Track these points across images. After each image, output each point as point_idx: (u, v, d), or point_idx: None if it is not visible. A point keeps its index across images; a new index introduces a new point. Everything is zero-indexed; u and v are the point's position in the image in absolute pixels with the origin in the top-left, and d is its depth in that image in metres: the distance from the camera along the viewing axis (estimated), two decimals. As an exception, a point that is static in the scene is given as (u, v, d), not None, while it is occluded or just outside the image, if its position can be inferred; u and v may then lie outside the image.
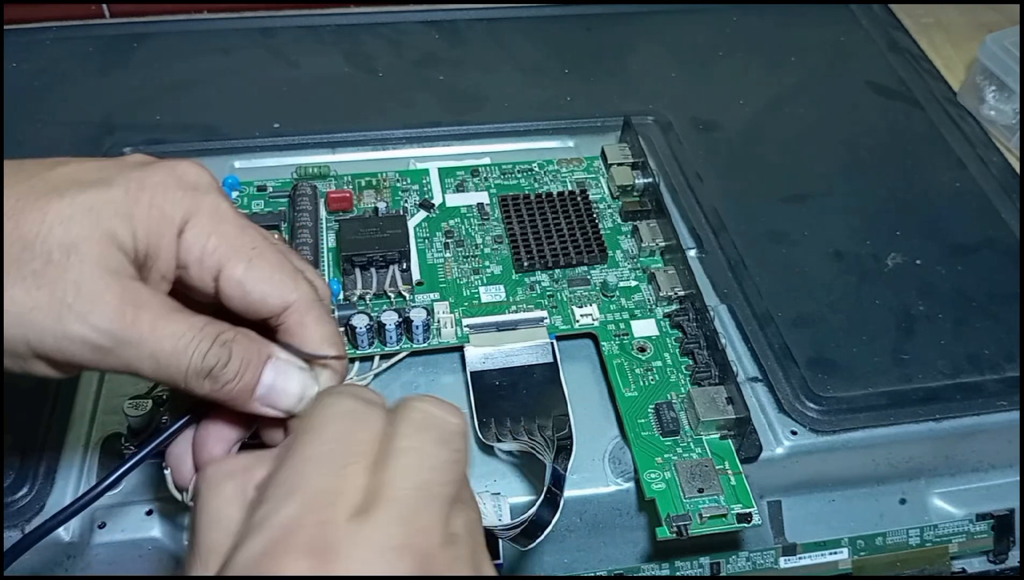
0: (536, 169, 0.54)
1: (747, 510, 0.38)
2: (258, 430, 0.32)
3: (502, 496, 0.39)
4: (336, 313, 0.44)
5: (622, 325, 0.45)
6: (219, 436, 0.31)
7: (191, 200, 0.29)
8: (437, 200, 0.51)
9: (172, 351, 0.28)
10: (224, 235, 0.29)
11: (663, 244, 0.49)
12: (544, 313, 0.45)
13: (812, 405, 0.44)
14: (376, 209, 0.50)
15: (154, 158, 0.30)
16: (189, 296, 0.30)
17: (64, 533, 0.38)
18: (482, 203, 0.51)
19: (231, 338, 0.29)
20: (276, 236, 0.48)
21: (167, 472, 0.32)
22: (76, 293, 0.27)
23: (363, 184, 0.52)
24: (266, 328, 0.31)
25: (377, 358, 0.44)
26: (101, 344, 0.27)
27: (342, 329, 0.44)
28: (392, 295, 0.46)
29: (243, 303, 0.30)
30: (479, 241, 0.49)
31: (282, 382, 0.30)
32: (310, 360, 0.31)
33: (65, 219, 0.27)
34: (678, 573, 0.43)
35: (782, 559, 0.44)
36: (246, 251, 0.29)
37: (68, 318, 0.26)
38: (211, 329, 0.29)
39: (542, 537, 0.35)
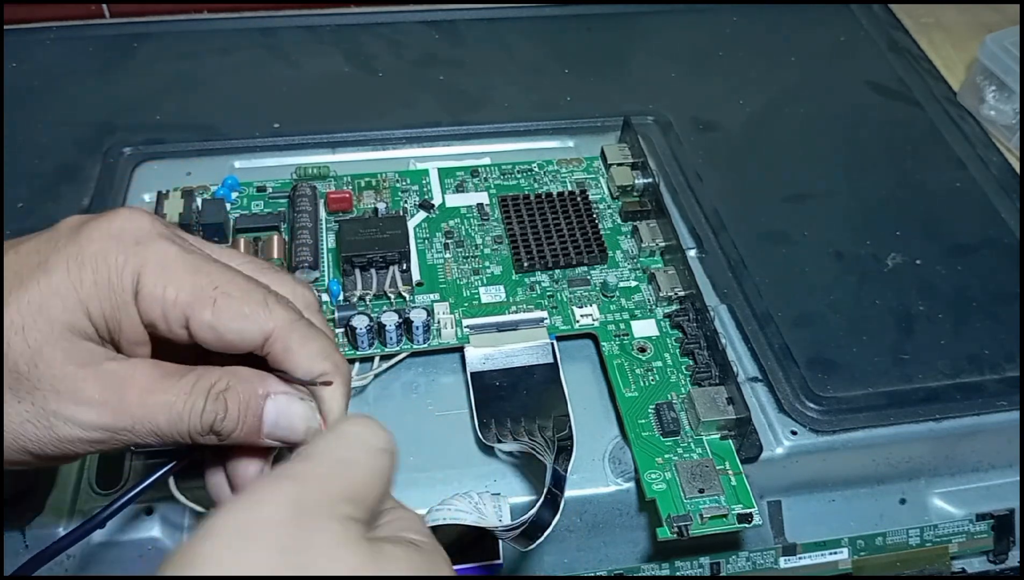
0: (536, 169, 0.54)
1: (748, 510, 0.38)
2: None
3: (502, 496, 0.39)
4: (336, 314, 0.44)
5: (622, 325, 0.45)
6: (250, 458, 0.31)
7: (135, 257, 0.28)
8: (437, 200, 0.51)
9: (168, 421, 0.27)
10: (179, 283, 0.28)
11: (663, 244, 0.49)
12: (544, 313, 0.45)
13: (812, 405, 0.44)
14: (376, 210, 0.50)
15: (88, 218, 0.29)
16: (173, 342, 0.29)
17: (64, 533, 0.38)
18: (482, 203, 0.51)
19: (224, 387, 0.28)
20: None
21: (171, 481, 0.32)
22: (57, 399, 0.26)
23: (363, 184, 0.52)
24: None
25: (377, 359, 0.44)
26: (97, 438, 0.27)
27: (341, 330, 0.44)
28: (392, 296, 0.46)
29: (220, 344, 0.29)
30: (479, 241, 0.49)
31: (285, 418, 0.29)
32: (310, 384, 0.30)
33: (18, 329, 0.26)
34: (678, 573, 0.43)
35: (782, 559, 0.44)
36: (207, 293, 0.28)
37: (58, 425, 0.26)
38: (201, 385, 0.28)
39: (542, 538, 0.35)
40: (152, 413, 0.27)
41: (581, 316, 0.46)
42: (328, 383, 0.30)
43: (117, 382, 0.27)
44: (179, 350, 0.29)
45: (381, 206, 0.50)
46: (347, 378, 0.31)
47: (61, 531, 0.38)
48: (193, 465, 0.32)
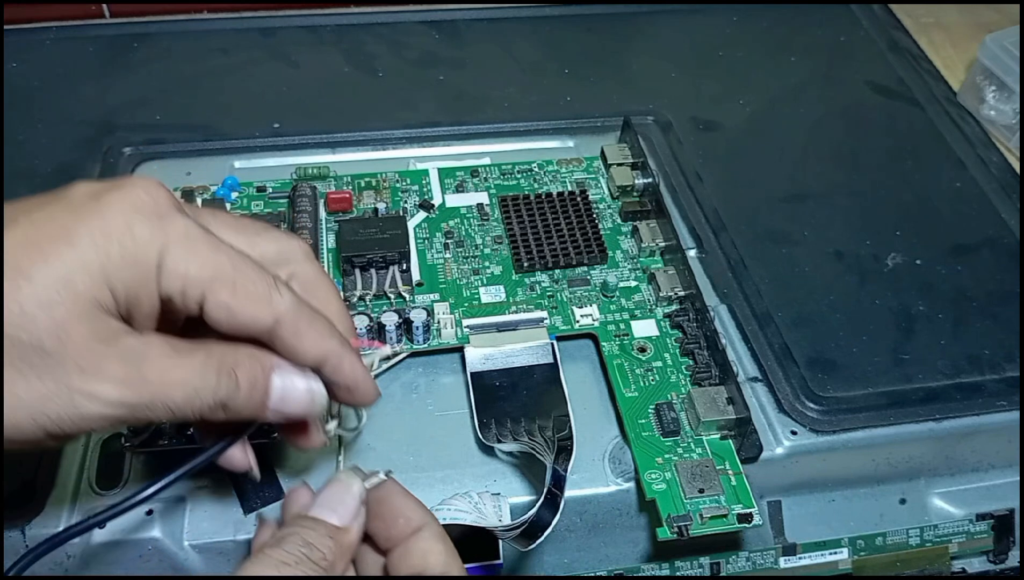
0: (536, 169, 0.54)
1: (748, 510, 0.38)
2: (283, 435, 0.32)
3: (502, 496, 0.39)
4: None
5: (622, 325, 0.45)
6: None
7: (160, 232, 0.27)
8: (437, 200, 0.51)
9: (184, 397, 0.27)
10: (203, 261, 0.28)
11: (663, 244, 0.49)
12: (544, 313, 0.45)
13: (812, 405, 0.44)
14: (376, 210, 0.50)
15: (102, 186, 0.28)
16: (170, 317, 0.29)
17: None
18: (482, 203, 0.51)
19: (234, 362, 0.29)
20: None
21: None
22: (81, 376, 0.26)
23: (363, 185, 0.52)
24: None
25: (377, 359, 0.44)
26: (118, 415, 0.27)
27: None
28: (392, 296, 0.46)
29: (231, 324, 0.29)
30: (479, 241, 0.49)
31: (290, 392, 0.30)
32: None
33: (44, 304, 0.25)
34: (678, 573, 0.43)
35: (782, 559, 0.44)
36: (227, 273, 0.28)
37: (81, 402, 0.26)
38: (213, 362, 0.28)
39: (542, 538, 0.35)
40: (169, 390, 0.27)
41: (581, 316, 0.46)
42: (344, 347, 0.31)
43: (136, 358, 0.27)
44: (169, 323, 0.30)
45: (381, 206, 0.50)
46: (356, 353, 0.32)
47: (61, 531, 0.38)
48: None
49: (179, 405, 0.27)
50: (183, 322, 0.30)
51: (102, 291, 0.26)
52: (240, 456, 0.32)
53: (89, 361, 0.26)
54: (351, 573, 0.30)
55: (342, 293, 0.45)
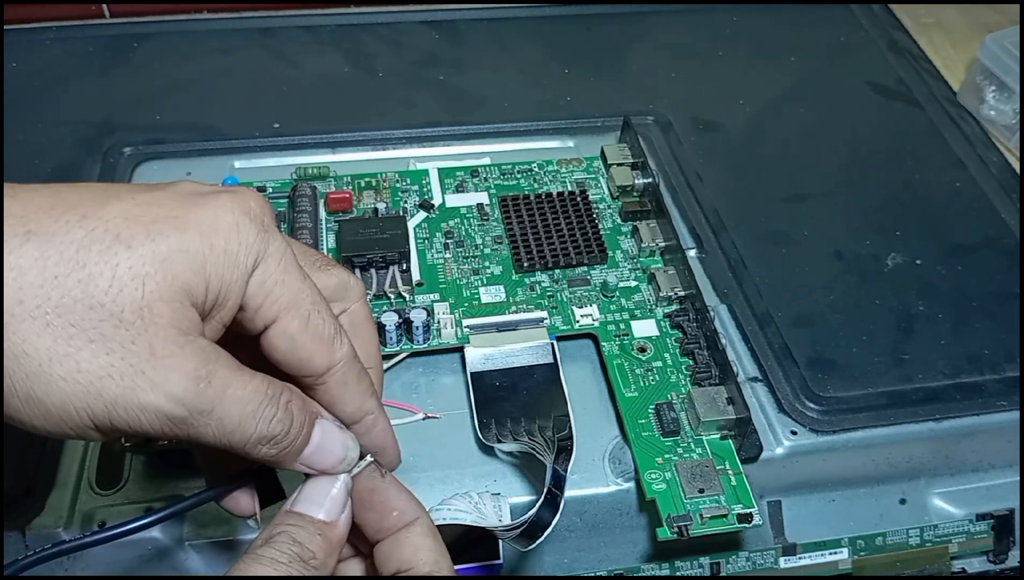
0: (536, 169, 0.54)
1: (748, 510, 0.38)
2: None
3: (502, 496, 0.39)
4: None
5: (622, 325, 0.45)
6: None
7: (261, 242, 0.27)
8: (437, 200, 0.51)
9: (239, 418, 0.26)
10: (289, 285, 0.27)
11: (663, 244, 0.49)
12: (544, 313, 0.45)
13: (812, 405, 0.44)
14: (376, 210, 0.50)
15: (208, 187, 0.28)
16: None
17: (64, 534, 0.38)
18: (482, 203, 0.51)
19: (291, 398, 0.28)
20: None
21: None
22: (151, 359, 0.24)
23: (363, 185, 0.52)
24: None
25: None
26: (176, 414, 0.25)
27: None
28: (392, 296, 0.46)
29: (286, 358, 0.28)
30: (479, 241, 0.49)
31: (328, 443, 0.29)
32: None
33: (137, 276, 0.24)
34: (678, 573, 0.43)
35: (782, 559, 0.44)
36: (306, 306, 0.28)
37: (143, 387, 0.24)
38: (275, 390, 0.27)
39: (542, 538, 0.35)
40: (228, 405, 0.26)
41: (581, 316, 0.46)
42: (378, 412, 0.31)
43: (207, 361, 0.25)
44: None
45: (381, 206, 0.50)
46: (387, 417, 0.31)
47: (61, 531, 0.38)
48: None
49: (231, 425, 0.26)
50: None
51: (198, 280, 0.25)
52: (247, 502, 0.31)
53: (164, 346, 0.24)
54: (335, 561, 0.30)
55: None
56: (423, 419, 0.42)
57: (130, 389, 0.24)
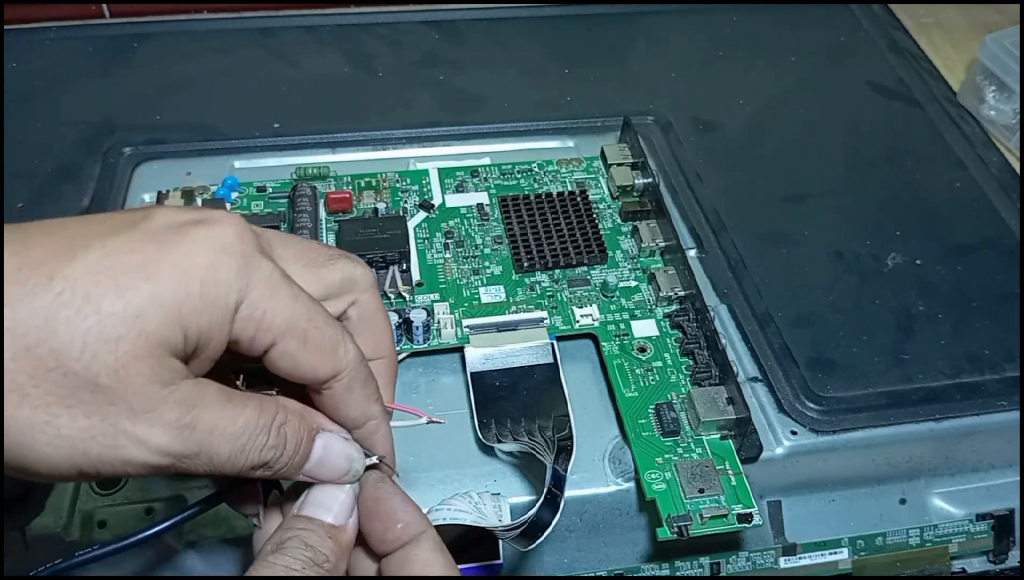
0: (536, 169, 0.54)
1: (748, 510, 0.38)
2: None
3: (502, 496, 0.39)
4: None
5: (622, 325, 0.45)
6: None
7: (242, 277, 0.26)
8: (437, 200, 0.51)
9: (230, 453, 0.26)
10: (280, 310, 0.27)
11: (663, 244, 0.49)
12: (544, 313, 0.45)
13: (812, 405, 0.44)
14: (376, 210, 0.50)
15: (184, 218, 0.26)
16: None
17: (64, 534, 0.38)
18: (482, 203, 0.51)
19: (283, 421, 0.27)
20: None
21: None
22: (131, 417, 0.24)
23: (363, 185, 0.52)
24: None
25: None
26: (159, 463, 0.25)
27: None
28: (392, 296, 0.46)
29: (290, 374, 0.28)
30: (479, 241, 0.49)
31: (330, 457, 0.29)
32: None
33: (110, 339, 0.24)
34: (678, 573, 0.43)
35: (782, 559, 0.44)
36: (301, 324, 0.27)
37: (125, 445, 0.24)
38: (266, 418, 0.27)
39: (542, 538, 0.35)
40: (217, 443, 0.26)
41: (581, 316, 0.46)
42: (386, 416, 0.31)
43: (191, 406, 0.25)
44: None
45: (381, 206, 0.50)
46: (388, 420, 0.31)
47: (60, 532, 0.38)
48: None
49: (223, 460, 0.26)
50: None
51: (173, 332, 0.25)
52: (253, 501, 0.31)
53: (144, 403, 0.24)
54: (345, 565, 0.30)
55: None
56: (427, 423, 0.42)
57: (113, 447, 0.24)
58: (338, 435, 0.29)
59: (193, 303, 0.25)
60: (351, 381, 0.29)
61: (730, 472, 0.40)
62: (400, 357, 0.44)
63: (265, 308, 0.26)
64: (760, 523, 0.39)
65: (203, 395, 0.26)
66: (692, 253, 0.51)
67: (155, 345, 0.24)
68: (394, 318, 0.43)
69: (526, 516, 0.36)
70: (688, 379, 0.43)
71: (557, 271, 0.48)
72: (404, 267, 0.46)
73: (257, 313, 0.26)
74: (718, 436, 0.41)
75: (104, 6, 0.67)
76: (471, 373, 0.43)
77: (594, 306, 0.46)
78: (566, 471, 0.38)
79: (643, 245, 0.49)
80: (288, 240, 0.30)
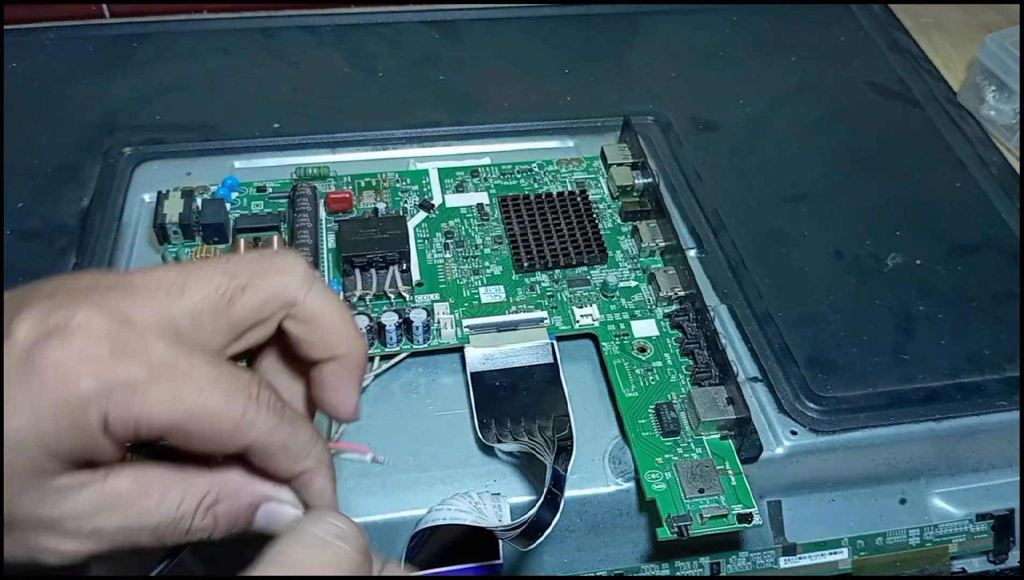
0: (536, 169, 0.54)
1: (748, 510, 0.38)
2: None
3: (502, 496, 0.39)
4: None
5: (622, 325, 0.45)
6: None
7: (106, 384, 0.24)
8: (437, 201, 0.51)
9: (152, 539, 0.26)
10: (159, 405, 0.25)
11: (663, 244, 0.49)
12: (544, 313, 0.45)
13: (812, 405, 0.44)
14: (376, 210, 0.50)
15: (44, 322, 0.24)
16: None
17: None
18: (482, 203, 0.51)
19: (214, 501, 0.27)
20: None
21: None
22: (35, 534, 0.25)
23: (363, 185, 0.52)
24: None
25: (377, 359, 0.44)
26: (84, 558, 0.26)
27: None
28: (392, 296, 0.46)
29: (193, 452, 0.27)
30: (479, 241, 0.49)
31: (275, 523, 0.28)
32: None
33: (7, 465, 0.24)
34: (678, 573, 0.43)
35: (782, 559, 0.44)
36: (191, 412, 0.25)
37: (42, 556, 0.25)
38: (189, 503, 0.26)
39: (542, 538, 0.35)
40: (136, 535, 0.26)
41: (581, 316, 0.46)
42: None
43: (95, 509, 0.25)
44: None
45: (381, 206, 0.50)
46: (330, 466, 0.29)
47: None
48: None
49: (149, 545, 0.26)
50: None
51: (44, 461, 0.24)
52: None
53: (41, 521, 0.25)
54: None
55: (342, 294, 0.45)
56: (371, 461, 0.41)
57: (33, 559, 0.25)
58: (283, 504, 0.29)
59: (50, 434, 0.24)
60: (265, 450, 0.27)
61: (730, 472, 0.40)
62: (400, 357, 0.44)
63: (140, 410, 0.25)
64: (760, 523, 0.39)
65: (112, 496, 0.26)
66: (692, 253, 0.51)
67: (32, 473, 0.24)
68: (394, 318, 0.43)
69: (526, 516, 0.36)
70: (688, 379, 0.43)
71: (557, 271, 0.48)
72: (404, 267, 0.46)
73: (131, 418, 0.25)
74: (718, 436, 0.41)
75: (104, 6, 0.67)
76: (471, 373, 0.43)
77: (594, 306, 0.46)
78: (566, 471, 0.38)
79: (643, 245, 0.49)
80: (185, 288, 0.27)
